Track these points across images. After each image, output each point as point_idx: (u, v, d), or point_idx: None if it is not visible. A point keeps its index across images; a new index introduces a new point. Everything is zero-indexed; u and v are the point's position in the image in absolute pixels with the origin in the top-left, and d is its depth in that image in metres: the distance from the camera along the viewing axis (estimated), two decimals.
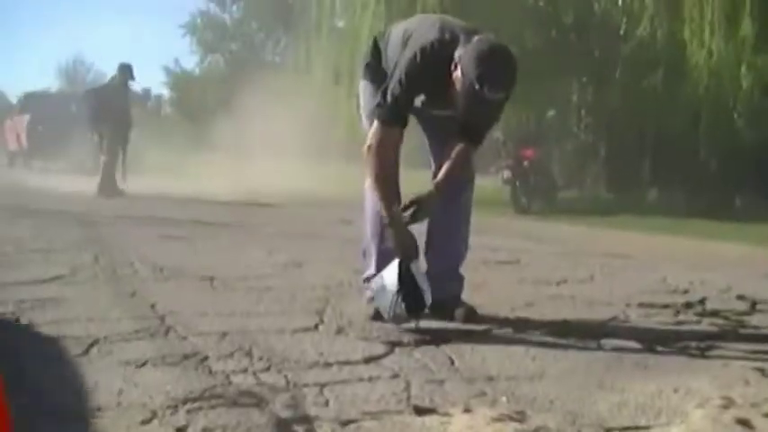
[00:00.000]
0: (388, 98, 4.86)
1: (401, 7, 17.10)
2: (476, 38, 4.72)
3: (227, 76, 39.50)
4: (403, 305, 4.80)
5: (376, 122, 4.98)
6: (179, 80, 47.63)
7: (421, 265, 5.05)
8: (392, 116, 4.93)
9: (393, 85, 4.86)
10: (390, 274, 4.88)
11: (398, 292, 4.79)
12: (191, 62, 69.01)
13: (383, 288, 4.91)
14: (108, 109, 16.46)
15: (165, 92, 51.80)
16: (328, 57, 20.88)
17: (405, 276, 4.83)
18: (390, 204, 4.93)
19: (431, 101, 5.01)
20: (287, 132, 27.73)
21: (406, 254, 4.90)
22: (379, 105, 4.96)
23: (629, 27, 18.31)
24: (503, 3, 17.96)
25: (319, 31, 21.62)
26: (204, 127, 38.66)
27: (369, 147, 4.97)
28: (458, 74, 4.63)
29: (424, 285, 4.91)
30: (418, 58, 4.79)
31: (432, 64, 4.78)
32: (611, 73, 18.65)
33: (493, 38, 4.85)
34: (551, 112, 22.02)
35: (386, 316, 4.91)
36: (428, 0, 17.10)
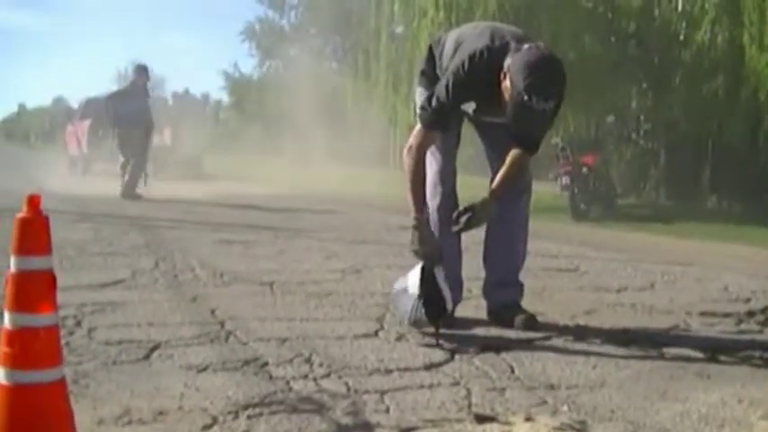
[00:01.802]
0: (434, 103, 4.90)
1: (460, 13, 17.06)
2: (525, 46, 4.71)
3: (285, 81, 39.62)
4: (423, 310, 4.79)
5: (418, 125, 5.02)
6: (238, 84, 47.83)
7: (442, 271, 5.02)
8: (434, 121, 4.98)
9: (439, 91, 4.89)
10: (413, 277, 4.88)
11: (419, 296, 4.78)
12: (249, 66, 69.25)
13: (404, 291, 4.91)
14: (128, 112, 16.55)
15: (225, 97, 52.14)
16: (387, 62, 20.87)
17: (427, 281, 4.83)
18: (419, 206, 4.97)
19: (483, 108, 5.03)
20: (345, 137, 27.79)
21: (430, 258, 4.89)
22: (423, 108, 5.02)
23: (689, 32, 18.12)
24: (562, 9, 17.84)
25: (378, 36, 21.60)
26: (262, 131, 38.83)
27: (409, 148, 5.01)
28: (506, 83, 4.63)
29: (446, 292, 4.90)
30: (466, 66, 4.81)
31: (480, 72, 4.79)
32: (670, 79, 18.48)
33: (542, 46, 4.84)
34: (610, 118, 21.87)
35: (405, 320, 4.91)
36: (488, 6, 17.01)
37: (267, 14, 46.15)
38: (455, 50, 5.05)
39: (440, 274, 4.89)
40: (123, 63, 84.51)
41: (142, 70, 17.30)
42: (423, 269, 4.85)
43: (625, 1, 19.03)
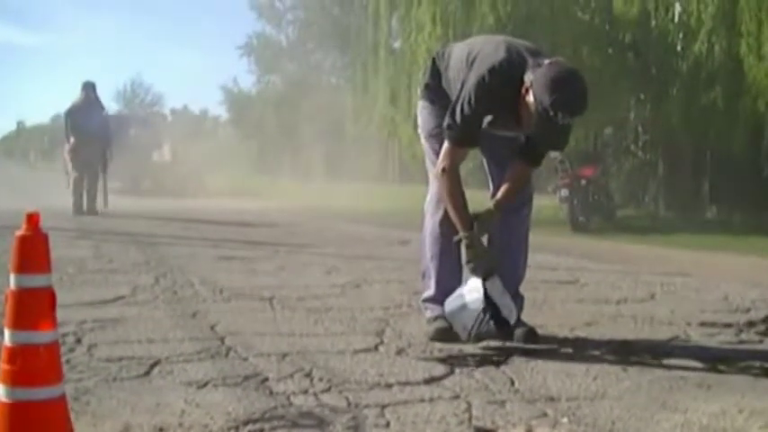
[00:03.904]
0: (458, 119, 4.87)
1: (458, 27, 17.13)
2: (546, 62, 4.71)
3: (284, 97, 39.67)
4: (491, 323, 4.78)
5: (447, 144, 5.00)
6: (237, 100, 47.89)
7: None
8: (464, 137, 4.96)
9: (462, 106, 4.86)
10: (472, 293, 4.83)
11: (485, 310, 4.76)
12: (248, 82, 69.30)
13: (463, 307, 4.85)
14: (88, 125, 16.49)
15: (223, 112, 52.23)
16: (385, 77, 20.88)
17: (489, 295, 4.81)
18: (467, 225, 4.94)
19: (497, 121, 5.01)
20: (344, 152, 27.81)
21: (488, 272, 4.88)
22: (449, 127, 4.96)
23: (687, 43, 18.14)
24: (560, 21, 17.93)
25: (376, 52, 21.63)
26: (261, 147, 38.86)
27: (444, 169, 5.00)
28: (530, 98, 4.63)
29: (508, 301, 4.89)
30: (487, 79, 4.79)
31: (500, 84, 4.79)
32: (668, 90, 18.49)
33: (563, 62, 4.85)
34: (609, 130, 21.90)
35: (463, 336, 4.88)
36: (486, 20, 17.06)
37: (265, 30, 46.31)
38: (469, 63, 4.99)
39: (497, 286, 4.89)
40: (122, 80, 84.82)
41: (89, 85, 17.16)
42: (484, 284, 4.83)
43: (622, 12, 19.02)
